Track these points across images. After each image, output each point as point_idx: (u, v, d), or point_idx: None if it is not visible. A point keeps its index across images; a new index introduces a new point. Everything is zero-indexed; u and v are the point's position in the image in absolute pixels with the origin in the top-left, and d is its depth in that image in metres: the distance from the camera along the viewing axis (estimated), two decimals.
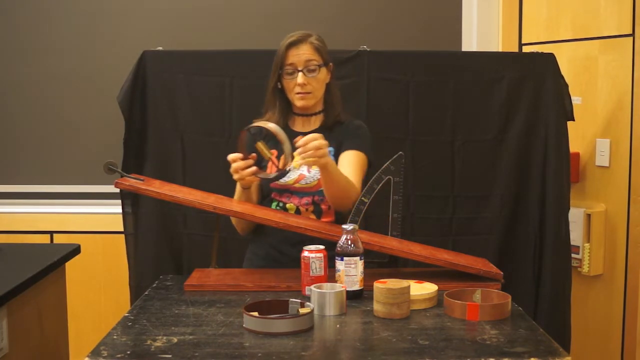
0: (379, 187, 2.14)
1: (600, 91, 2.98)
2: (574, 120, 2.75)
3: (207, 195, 2.23)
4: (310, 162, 1.98)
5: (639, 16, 2.84)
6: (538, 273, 2.74)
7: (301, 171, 2.21)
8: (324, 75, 2.25)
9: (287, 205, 2.23)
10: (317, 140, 1.96)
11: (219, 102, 2.71)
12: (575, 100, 2.80)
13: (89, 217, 3.43)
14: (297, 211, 2.22)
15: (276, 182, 2.22)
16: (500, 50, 3.36)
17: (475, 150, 2.74)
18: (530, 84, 2.73)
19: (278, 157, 2.17)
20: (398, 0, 3.55)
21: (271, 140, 2.14)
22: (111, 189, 2.30)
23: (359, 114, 2.70)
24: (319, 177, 2.16)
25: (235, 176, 2.11)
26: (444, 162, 2.74)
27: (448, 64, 2.77)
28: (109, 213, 3.35)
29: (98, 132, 3.54)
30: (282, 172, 2.17)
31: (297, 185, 2.21)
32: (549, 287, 2.70)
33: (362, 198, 2.12)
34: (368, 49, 2.71)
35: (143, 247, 2.70)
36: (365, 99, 2.70)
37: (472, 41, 3.48)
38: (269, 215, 2.11)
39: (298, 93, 2.20)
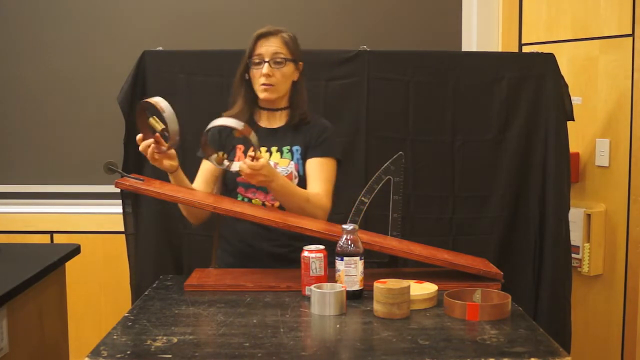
0: (379, 187, 2.14)
1: (600, 91, 2.98)
2: (574, 120, 2.75)
3: (207, 195, 2.23)
4: (255, 182, 2.04)
5: (639, 16, 2.84)
6: (538, 273, 2.74)
7: None
8: (290, 70, 2.24)
9: (253, 201, 2.23)
10: (254, 164, 2.00)
11: (219, 102, 2.71)
12: (575, 100, 2.80)
13: (89, 217, 3.42)
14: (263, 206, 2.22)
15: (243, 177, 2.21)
16: (500, 50, 3.36)
17: (475, 150, 2.74)
18: (530, 84, 2.73)
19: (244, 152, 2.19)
20: (398, 0, 3.55)
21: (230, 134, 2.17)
22: (111, 189, 2.30)
23: (359, 114, 2.71)
24: (286, 173, 2.17)
25: (152, 161, 2.11)
26: (444, 162, 2.74)
27: (448, 64, 2.77)
28: (109, 213, 3.35)
29: (98, 132, 3.54)
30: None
31: None
32: (549, 287, 2.70)
33: (362, 198, 2.12)
34: (368, 49, 2.71)
35: (143, 247, 2.70)
36: (365, 99, 2.70)
37: (472, 41, 3.48)
38: (268, 215, 2.11)
39: (262, 84, 2.21)
